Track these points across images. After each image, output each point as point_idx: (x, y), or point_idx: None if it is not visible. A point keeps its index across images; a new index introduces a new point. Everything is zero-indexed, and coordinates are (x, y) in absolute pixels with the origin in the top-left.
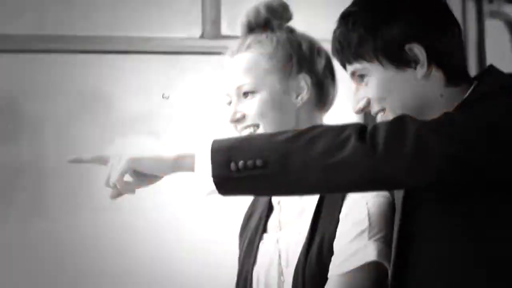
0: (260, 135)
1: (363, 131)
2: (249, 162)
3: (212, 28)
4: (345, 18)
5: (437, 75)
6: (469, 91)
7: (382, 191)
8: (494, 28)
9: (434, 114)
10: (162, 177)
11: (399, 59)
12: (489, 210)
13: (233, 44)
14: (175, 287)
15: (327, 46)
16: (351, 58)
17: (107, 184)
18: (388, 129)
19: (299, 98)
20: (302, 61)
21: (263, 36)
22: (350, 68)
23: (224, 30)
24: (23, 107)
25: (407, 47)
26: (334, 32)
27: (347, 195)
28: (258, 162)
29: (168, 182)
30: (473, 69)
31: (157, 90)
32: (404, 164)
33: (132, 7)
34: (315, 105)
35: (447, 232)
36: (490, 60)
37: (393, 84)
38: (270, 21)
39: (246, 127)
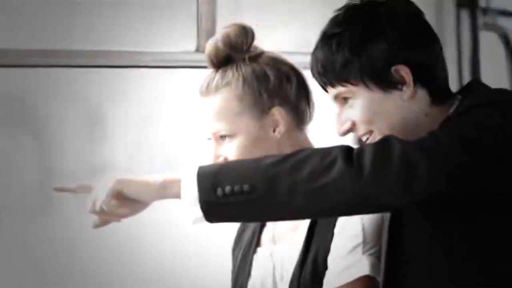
0: (247, 160)
1: (349, 153)
2: (236, 187)
3: (207, 42)
4: (328, 40)
5: (422, 94)
6: (453, 108)
7: (371, 213)
8: (488, 40)
9: (419, 133)
10: (148, 204)
11: (385, 81)
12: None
13: (202, 81)
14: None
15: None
16: (334, 81)
17: (93, 209)
18: (374, 151)
19: (277, 131)
20: (273, 95)
21: (229, 75)
22: (333, 91)
23: None
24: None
25: (393, 68)
26: (315, 54)
27: None
28: (245, 187)
29: None
30: (467, 81)
31: (151, 104)
32: (391, 184)
33: (126, 21)
34: (295, 129)
35: (435, 245)
36: (484, 72)
37: (379, 106)
38: (232, 57)
39: None
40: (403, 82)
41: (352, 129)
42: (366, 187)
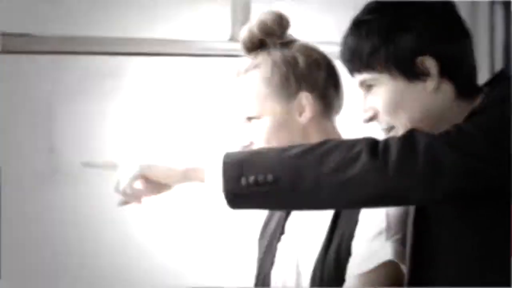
0: (272, 149)
1: (374, 146)
2: (260, 178)
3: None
4: (358, 26)
5: (447, 88)
6: (478, 101)
7: (395, 206)
8: None
9: (443, 127)
10: (172, 187)
11: (410, 71)
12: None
13: (237, 63)
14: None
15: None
16: (361, 67)
17: (117, 189)
18: (399, 145)
19: (303, 116)
20: (300, 80)
21: (259, 59)
22: (359, 77)
23: None
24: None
25: (419, 59)
26: (345, 39)
27: None
28: (269, 178)
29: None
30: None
31: (185, 92)
32: (416, 180)
33: (160, 9)
34: (322, 117)
35: (462, 232)
36: None
37: (402, 96)
38: (265, 42)
39: None
40: (427, 74)
41: (374, 117)
42: (390, 182)
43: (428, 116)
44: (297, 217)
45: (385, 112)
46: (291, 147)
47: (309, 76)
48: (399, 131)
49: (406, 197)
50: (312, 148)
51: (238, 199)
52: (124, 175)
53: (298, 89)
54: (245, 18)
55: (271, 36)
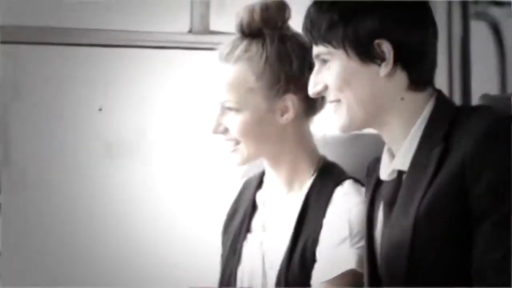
0: None
1: None
2: None
3: (200, 23)
4: None
5: (401, 76)
6: (430, 103)
7: None
8: (478, 29)
9: (391, 117)
10: None
11: (365, 53)
12: None
13: (223, 44)
14: (167, 278)
15: None
16: (318, 40)
17: None
18: None
19: (285, 117)
20: (290, 81)
21: (253, 49)
22: (316, 49)
23: (213, 25)
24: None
25: (376, 42)
26: (308, 9)
27: (332, 201)
28: None
29: (164, 176)
30: (456, 70)
31: (143, 84)
32: None
33: (119, 0)
34: (303, 117)
35: None
36: (474, 61)
37: (353, 76)
38: (263, 31)
39: (227, 140)
40: (383, 58)
41: (323, 91)
42: None
43: (377, 102)
44: (263, 215)
45: (334, 88)
46: None
47: (299, 79)
48: (344, 106)
49: None
50: None
51: None
52: None
53: (286, 90)
54: (205, 11)
55: (270, 27)
